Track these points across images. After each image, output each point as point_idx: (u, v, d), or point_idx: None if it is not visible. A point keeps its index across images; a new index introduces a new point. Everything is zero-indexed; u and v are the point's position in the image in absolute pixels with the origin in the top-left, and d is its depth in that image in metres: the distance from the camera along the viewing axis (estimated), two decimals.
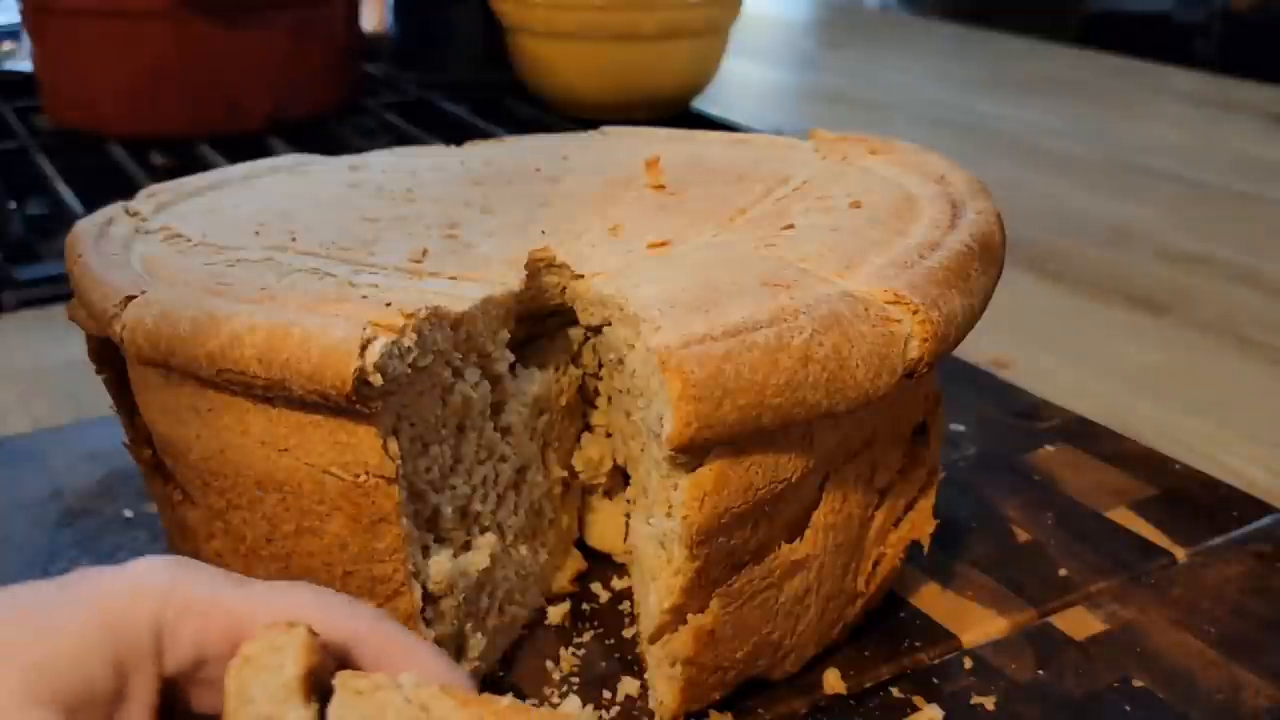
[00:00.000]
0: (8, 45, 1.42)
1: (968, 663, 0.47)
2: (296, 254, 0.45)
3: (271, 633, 0.31)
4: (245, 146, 0.98)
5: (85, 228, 0.49)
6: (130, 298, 0.42)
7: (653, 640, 0.44)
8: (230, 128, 1.07)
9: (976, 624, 0.49)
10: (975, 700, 0.45)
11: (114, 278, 0.44)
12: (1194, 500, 0.57)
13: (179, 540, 0.48)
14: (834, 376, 0.39)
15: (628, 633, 0.49)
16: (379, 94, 1.29)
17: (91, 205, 0.95)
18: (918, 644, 0.48)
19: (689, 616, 0.42)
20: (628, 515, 0.51)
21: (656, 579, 0.43)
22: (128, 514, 0.57)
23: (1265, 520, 0.56)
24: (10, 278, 0.83)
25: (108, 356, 0.49)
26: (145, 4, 1.04)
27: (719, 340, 0.38)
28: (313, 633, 0.31)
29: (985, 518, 0.56)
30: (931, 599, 0.50)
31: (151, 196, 0.53)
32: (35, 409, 0.69)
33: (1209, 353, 0.77)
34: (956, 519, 0.56)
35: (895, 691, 0.45)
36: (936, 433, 0.50)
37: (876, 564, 0.48)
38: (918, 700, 0.45)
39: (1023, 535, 0.55)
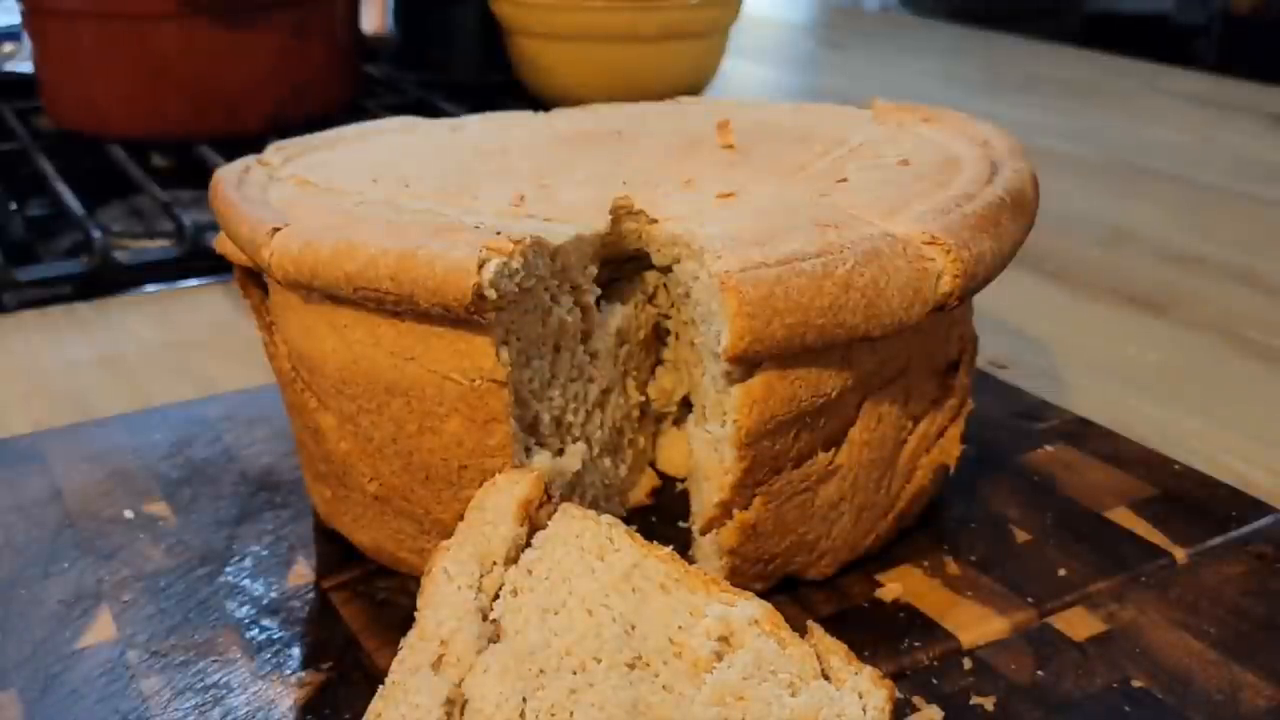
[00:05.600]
0: (8, 47, 1.42)
1: (967, 663, 0.47)
2: (411, 198, 0.51)
3: (515, 471, 0.44)
4: (245, 147, 0.97)
5: (227, 175, 0.55)
6: (276, 229, 0.48)
7: (704, 532, 0.49)
8: (230, 129, 1.07)
9: (976, 624, 0.49)
10: (974, 700, 0.45)
11: (259, 213, 0.50)
12: (1193, 500, 0.57)
13: (312, 443, 0.53)
14: (871, 303, 0.44)
15: (681, 525, 0.54)
16: (379, 94, 1.29)
17: (92, 206, 0.96)
18: (917, 644, 0.48)
19: (735, 512, 0.48)
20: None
21: (709, 479, 0.48)
22: (128, 514, 0.57)
23: (1265, 520, 0.56)
24: (10, 278, 0.83)
25: (252, 283, 0.55)
26: (145, 6, 1.03)
27: (772, 267, 0.43)
28: (542, 478, 0.44)
29: (985, 518, 0.56)
30: (931, 599, 0.50)
31: (279, 150, 0.59)
32: (35, 409, 0.69)
33: (1209, 353, 0.77)
34: (956, 519, 0.56)
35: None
36: (968, 368, 0.54)
37: (908, 482, 0.53)
38: (917, 700, 0.45)
39: (1022, 535, 0.55)
